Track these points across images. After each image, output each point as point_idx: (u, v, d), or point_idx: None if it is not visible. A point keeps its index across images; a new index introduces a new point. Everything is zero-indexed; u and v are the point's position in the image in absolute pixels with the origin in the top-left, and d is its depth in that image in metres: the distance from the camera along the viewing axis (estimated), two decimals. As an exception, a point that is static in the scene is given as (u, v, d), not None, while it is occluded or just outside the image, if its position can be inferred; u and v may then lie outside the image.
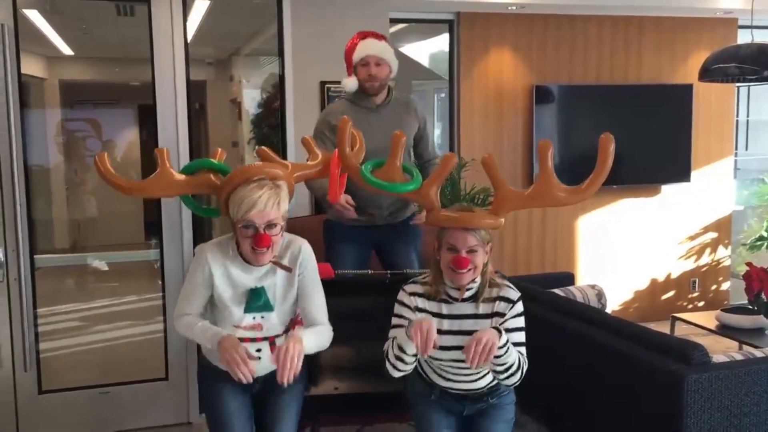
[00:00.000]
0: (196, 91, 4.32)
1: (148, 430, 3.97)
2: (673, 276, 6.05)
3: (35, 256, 3.84)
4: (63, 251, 5.27)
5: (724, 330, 4.47)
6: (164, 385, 4.03)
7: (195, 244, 3.98)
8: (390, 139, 2.40)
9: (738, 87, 6.24)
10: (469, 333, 2.30)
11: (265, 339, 2.38)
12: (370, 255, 3.47)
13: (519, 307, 2.35)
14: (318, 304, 2.46)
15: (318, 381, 2.99)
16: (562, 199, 2.33)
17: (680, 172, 5.84)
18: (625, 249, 5.89)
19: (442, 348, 2.30)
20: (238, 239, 2.29)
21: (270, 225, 2.23)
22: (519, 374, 2.30)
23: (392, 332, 2.38)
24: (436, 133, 6.75)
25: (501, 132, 5.49)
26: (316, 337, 2.38)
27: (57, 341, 4.24)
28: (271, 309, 2.36)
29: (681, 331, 4.78)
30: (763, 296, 4.34)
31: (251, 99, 6.38)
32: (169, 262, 3.96)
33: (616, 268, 5.85)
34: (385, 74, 3.33)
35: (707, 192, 6.01)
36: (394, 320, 2.39)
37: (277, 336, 2.40)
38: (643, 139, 5.69)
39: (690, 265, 6.08)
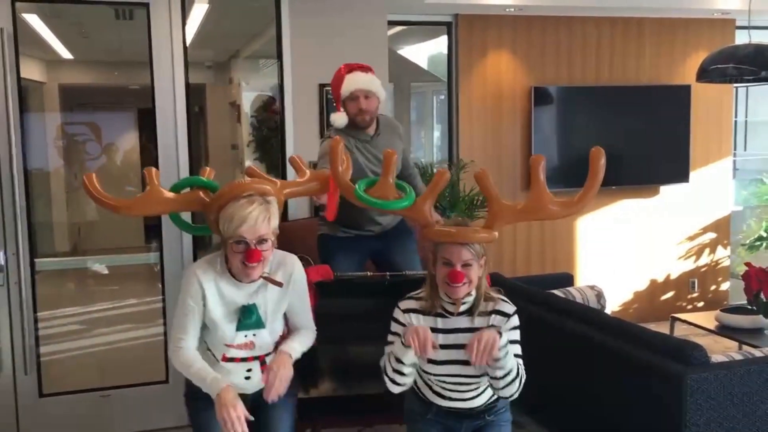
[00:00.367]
0: (195, 94, 4.34)
1: (149, 433, 3.97)
2: (673, 276, 6.05)
3: (35, 260, 3.85)
4: (63, 255, 5.28)
5: (723, 330, 4.48)
6: (165, 389, 4.03)
7: (195, 247, 3.99)
8: None
9: (736, 87, 6.25)
10: (465, 347, 2.31)
11: (255, 358, 2.38)
12: (366, 263, 3.48)
13: (515, 320, 2.36)
14: (306, 316, 2.50)
15: (318, 383, 3.00)
16: (554, 213, 2.34)
17: (679, 172, 5.85)
18: (625, 250, 5.89)
19: (438, 363, 2.31)
20: (228, 255, 2.28)
21: (261, 240, 2.23)
22: (518, 384, 2.30)
23: (388, 349, 2.39)
24: (436, 135, 6.76)
25: (500, 134, 5.49)
26: (304, 342, 2.44)
27: (57, 345, 4.24)
28: (263, 326, 2.36)
29: (680, 331, 4.78)
30: (762, 296, 4.35)
31: (250, 102, 6.39)
32: (169, 265, 3.96)
33: (615, 269, 5.86)
34: (374, 106, 3.32)
35: (706, 192, 6.02)
36: (390, 338, 2.39)
37: (268, 354, 2.40)
38: (642, 140, 5.70)
39: (689, 265, 6.09)
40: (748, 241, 6.09)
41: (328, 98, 4.34)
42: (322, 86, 4.33)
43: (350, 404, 3.15)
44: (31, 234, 3.78)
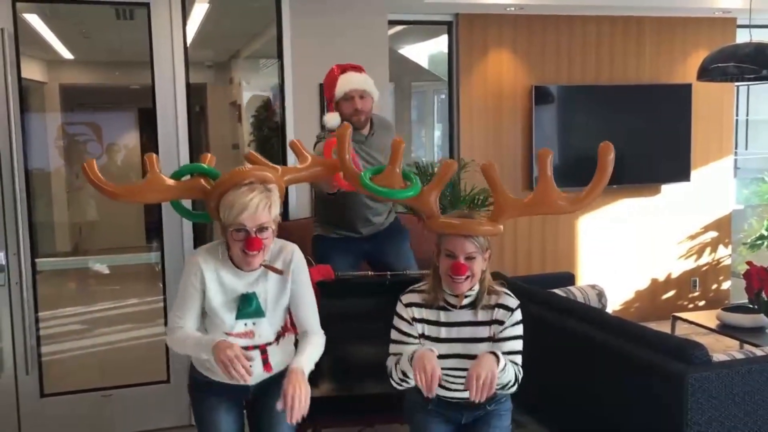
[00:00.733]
0: (196, 94, 4.33)
1: (150, 433, 3.98)
2: (674, 275, 6.05)
3: (36, 260, 3.85)
4: (64, 254, 5.28)
5: (724, 329, 4.48)
6: (166, 388, 4.04)
7: (196, 246, 3.99)
8: (386, 161, 2.45)
9: (737, 86, 6.24)
10: (468, 341, 2.30)
11: (256, 347, 2.36)
12: (360, 264, 3.47)
13: (518, 315, 2.35)
14: (310, 310, 2.45)
15: (318, 383, 3.00)
16: (561, 208, 2.33)
17: (680, 171, 5.85)
18: (626, 249, 5.89)
19: (441, 357, 2.31)
20: (228, 243, 2.27)
21: (261, 228, 2.21)
22: (516, 386, 2.31)
23: (392, 347, 2.38)
24: (436, 135, 6.76)
25: (500, 133, 5.49)
26: (313, 353, 2.37)
27: (58, 344, 4.24)
28: (263, 315, 2.34)
29: (682, 330, 4.78)
30: (764, 295, 4.34)
31: (251, 101, 6.39)
32: (170, 264, 3.96)
33: (616, 268, 5.86)
34: (369, 106, 3.32)
35: (707, 191, 6.01)
36: (394, 334, 2.39)
37: (269, 344, 2.38)
38: (643, 139, 5.70)
39: (690, 264, 6.08)
40: (749, 240, 6.08)
41: (326, 106, 4.34)
42: (322, 86, 4.32)
43: (351, 404, 3.15)
44: (32, 234, 3.78)
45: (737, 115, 6.33)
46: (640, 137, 5.68)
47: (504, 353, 2.26)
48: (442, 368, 2.35)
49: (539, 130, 5.48)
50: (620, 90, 5.70)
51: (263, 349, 2.37)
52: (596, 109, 5.65)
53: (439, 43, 5.79)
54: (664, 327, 4.29)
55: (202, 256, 2.34)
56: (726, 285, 6.20)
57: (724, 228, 6.15)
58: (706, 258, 6.12)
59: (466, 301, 2.34)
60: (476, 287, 2.34)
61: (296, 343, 2.46)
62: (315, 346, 2.39)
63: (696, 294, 6.11)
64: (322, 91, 4.33)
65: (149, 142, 4.45)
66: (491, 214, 2.36)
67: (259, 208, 2.19)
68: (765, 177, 6.44)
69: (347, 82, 3.26)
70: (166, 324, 3.99)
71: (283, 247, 2.40)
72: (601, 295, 3.65)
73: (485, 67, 5.43)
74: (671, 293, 6.05)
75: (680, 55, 5.83)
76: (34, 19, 4.33)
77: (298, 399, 2.17)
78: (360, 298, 3.13)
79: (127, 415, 3.98)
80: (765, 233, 6.00)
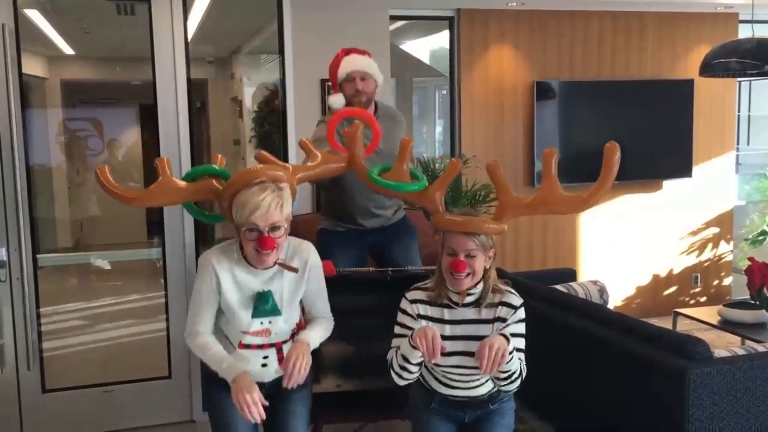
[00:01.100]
0: (197, 90, 4.34)
1: (152, 429, 3.97)
2: (675, 271, 6.05)
3: (38, 256, 3.84)
4: (65, 250, 5.29)
5: (726, 325, 4.47)
6: (167, 384, 4.04)
7: (197, 242, 3.99)
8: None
9: (739, 82, 6.23)
10: (471, 338, 2.30)
11: (272, 346, 2.38)
12: (366, 258, 3.47)
13: (521, 313, 2.35)
14: (323, 306, 2.50)
15: (320, 378, 3.00)
16: (565, 208, 2.33)
17: (682, 167, 5.84)
18: (627, 245, 5.89)
19: (444, 354, 2.30)
20: (242, 242, 2.29)
21: (274, 227, 2.22)
22: (519, 381, 2.30)
23: (395, 341, 2.38)
24: (438, 131, 6.76)
25: (502, 128, 5.49)
26: (321, 332, 2.44)
27: (60, 340, 4.25)
28: (279, 313, 2.36)
29: (683, 326, 4.78)
30: (765, 291, 4.34)
31: (252, 97, 6.38)
32: (172, 260, 3.96)
33: (618, 264, 5.85)
34: (371, 89, 3.32)
35: (709, 187, 6.01)
36: (397, 329, 2.39)
37: (284, 342, 2.40)
38: (645, 135, 5.69)
39: (692, 260, 6.08)
40: (750, 236, 6.07)
41: (330, 93, 4.34)
42: (324, 81, 4.33)
43: (353, 400, 3.15)
44: (34, 230, 3.78)
45: (739, 111, 6.32)
46: (641, 133, 5.67)
47: None
48: (445, 366, 2.35)
49: (540, 125, 5.47)
50: (622, 86, 5.69)
51: (279, 348, 2.39)
52: (598, 105, 5.64)
53: (441, 39, 5.79)
54: (665, 323, 4.28)
55: (215, 256, 2.35)
56: (727, 281, 6.20)
57: (725, 224, 6.15)
58: (708, 254, 6.12)
59: (469, 299, 2.34)
60: (480, 285, 2.33)
61: None
62: (324, 328, 2.46)
63: (697, 290, 6.11)
64: (324, 86, 4.35)
65: (150, 138, 4.45)
66: (495, 213, 2.36)
67: (271, 207, 2.20)
68: (767, 173, 6.44)
69: (349, 64, 3.29)
70: (167, 320, 4.01)
71: (299, 245, 2.42)
72: (602, 291, 3.65)
73: (487, 63, 5.42)
74: (673, 289, 6.05)
75: (682, 50, 5.82)
76: (35, 15, 4.33)
77: (299, 367, 2.25)
78: (362, 294, 3.13)
79: (128, 411, 3.98)
80: (767, 229, 6.00)
